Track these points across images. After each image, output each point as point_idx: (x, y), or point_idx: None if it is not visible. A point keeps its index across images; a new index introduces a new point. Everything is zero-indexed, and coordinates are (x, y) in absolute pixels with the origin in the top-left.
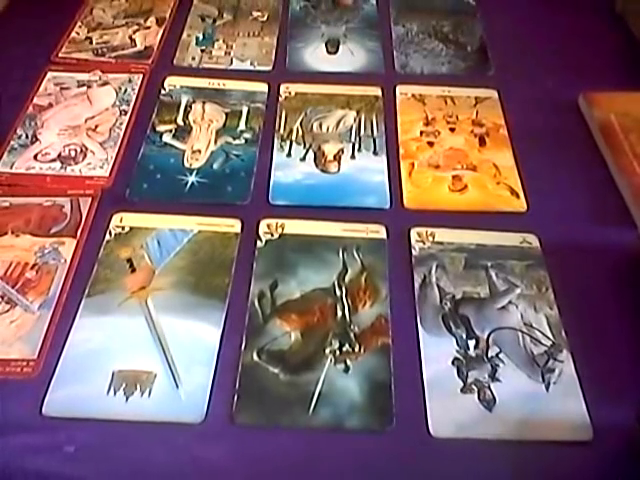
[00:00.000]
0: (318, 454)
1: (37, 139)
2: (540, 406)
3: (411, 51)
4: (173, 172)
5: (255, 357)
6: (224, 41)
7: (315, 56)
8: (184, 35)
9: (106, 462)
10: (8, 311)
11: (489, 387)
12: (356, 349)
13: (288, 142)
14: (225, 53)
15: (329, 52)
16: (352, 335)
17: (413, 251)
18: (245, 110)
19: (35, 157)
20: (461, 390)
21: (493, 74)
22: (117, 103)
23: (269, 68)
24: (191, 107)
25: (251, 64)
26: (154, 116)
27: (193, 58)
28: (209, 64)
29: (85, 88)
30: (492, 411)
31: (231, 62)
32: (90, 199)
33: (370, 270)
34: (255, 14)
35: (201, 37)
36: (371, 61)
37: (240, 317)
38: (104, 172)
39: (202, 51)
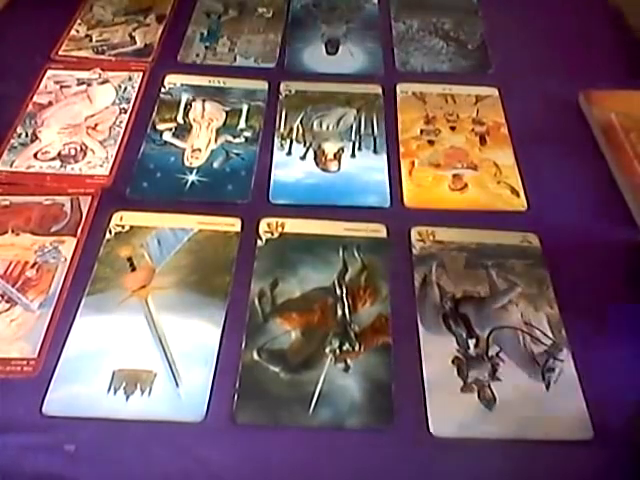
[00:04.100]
0: (318, 453)
1: (37, 137)
2: (540, 405)
3: (412, 49)
4: (173, 171)
5: (255, 356)
6: (228, 38)
7: (314, 57)
8: (189, 31)
9: (106, 461)
10: (8, 310)
11: (489, 386)
12: (356, 348)
13: (288, 141)
14: (229, 50)
15: (328, 53)
16: (352, 334)
17: (413, 250)
18: (245, 108)
19: (35, 156)
20: (461, 389)
21: (494, 72)
22: (117, 101)
23: (273, 65)
24: (191, 105)
25: (255, 61)
26: (154, 114)
27: (197, 55)
28: (213, 61)
29: (85, 86)
30: (492, 410)
31: (235, 59)
32: (90, 198)
33: (370, 269)
34: (260, 10)
35: (206, 33)
36: (370, 63)
37: (240, 316)
38: (104, 171)
39: (206, 48)
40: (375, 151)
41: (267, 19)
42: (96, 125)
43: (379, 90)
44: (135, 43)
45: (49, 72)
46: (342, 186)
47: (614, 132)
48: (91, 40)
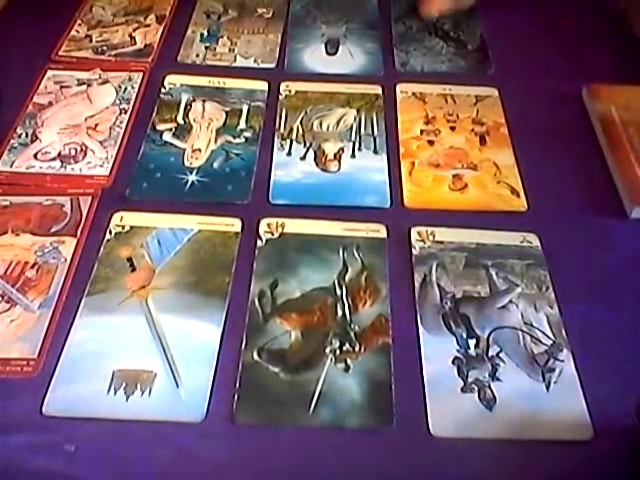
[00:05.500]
0: (318, 454)
1: (37, 138)
2: (540, 405)
3: (411, 49)
4: (173, 171)
5: (255, 356)
6: (228, 38)
7: (314, 57)
8: (188, 32)
9: (106, 461)
10: (8, 310)
11: (489, 386)
12: (356, 348)
13: (288, 141)
14: (229, 50)
15: (328, 53)
16: (352, 334)
17: (413, 250)
18: (245, 109)
19: (35, 156)
20: (461, 389)
21: (494, 72)
22: (117, 102)
23: (273, 65)
24: (191, 106)
25: (255, 61)
26: (154, 115)
27: (197, 55)
28: (213, 61)
29: (85, 87)
30: (492, 410)
31: (235, 59)
32: (90, 198)
33: (370, 269)
34: (260, 11)
35: (206, 34)
36: (370, 64)
37: (240, 316)
38: (104, 171)
39: (206, 48)
40: (375, 151)
41: (267, 19)
42: (96, 125)
43: (379, 90)
44: (135, 43)
45: (49, 72)
46: (342, 186)
47: (613, 126)
48: (91, 40)
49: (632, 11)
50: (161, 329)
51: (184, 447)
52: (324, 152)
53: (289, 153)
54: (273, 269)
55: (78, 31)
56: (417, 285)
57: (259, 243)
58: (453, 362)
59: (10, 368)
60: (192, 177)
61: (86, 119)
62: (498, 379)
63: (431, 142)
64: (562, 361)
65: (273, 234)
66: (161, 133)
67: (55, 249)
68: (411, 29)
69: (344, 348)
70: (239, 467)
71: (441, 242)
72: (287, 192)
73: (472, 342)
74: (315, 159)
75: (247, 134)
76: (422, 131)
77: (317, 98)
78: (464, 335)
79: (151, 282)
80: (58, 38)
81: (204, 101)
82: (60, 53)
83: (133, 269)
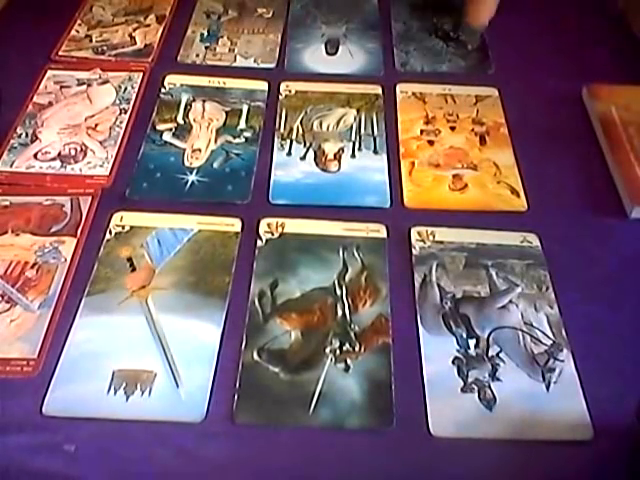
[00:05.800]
0: (318, 454)
1: (37, 138)
2: (540, 405)
3: (411, 49)
4: (173, 171)
5: (255, 356)
6: (228, 38)
7: (314, 57)
8: (188, 32)
9: (106, 462)
10: (8, 310)
11: (489, 386)
12: (356, 348)
13: (288, 141)
14: (229, 50)
15: (328, 53)
16: (352, 334)
17: (413, 250)
18: (245, 109)
19: (35, 156)
20: (461, 389)
21: (494, 72)
22: (117, 102)
23: (273, 65)
24: (191, 106)
25: (255, 61)
26: (154, 115)
27: (197, 55)
28: (213, 61)
29: (85, 86)
30: (492, 410)
31: (235, 59)
32: (90, 198)
33: (370, 269)
34: (260, 11)
35: (205, 34)
36: (370, 64)
37: (240, 316)
38: (104, 171)
39: (206, 48)
40: (375, 151)
41: (267, 19)
42: (96, 125)
43: (379, 90)
44: (135, 43)
45: (49, 72)
46: (342, 186)
47: (613, 126)
48: (91, 40)
49: (632, 11)
50: (161, 329)
51: (184, 447)
52: (324, 152)
53: (289, 153)
54: (273, 269)
55: (78, 31)
56: (417, 285)
57: (259, 243)
58: (453, 362)
59: (10, 368)
60: (192, 177)
61: (86, 119)
62: (498, 379)
63: (431, 142)
64: (562, 361)
65: (273, 234)
66: (161, 133)
67: (55, 249)
68: (411, 29)
69: (344, 348)
70: (239, 467)
71: (441, 242)
72: (287, 192)
73: (472, 342)
74: (315, 159)
75: (247, 134)
76: (422, 131)
77: (317, 98)
78: (464, 335)
79: (151, 282)
80: (58, 38)
81: (204, 101)
82: (60, 53)
83: (133, 269)
